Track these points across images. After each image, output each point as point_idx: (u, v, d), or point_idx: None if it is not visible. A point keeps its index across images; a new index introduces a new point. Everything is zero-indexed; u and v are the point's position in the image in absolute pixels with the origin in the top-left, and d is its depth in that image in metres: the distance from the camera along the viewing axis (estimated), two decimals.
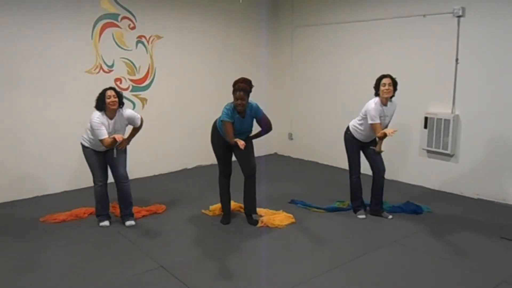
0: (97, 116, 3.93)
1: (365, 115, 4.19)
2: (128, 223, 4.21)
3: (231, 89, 3.99)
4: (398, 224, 4.23)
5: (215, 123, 4.27)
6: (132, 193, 4.29)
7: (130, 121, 4.17)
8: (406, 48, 5.47)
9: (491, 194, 4.88)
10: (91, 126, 3.93)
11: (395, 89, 4.18)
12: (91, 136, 4.04)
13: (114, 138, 3.85)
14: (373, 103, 4.15)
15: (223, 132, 4.04)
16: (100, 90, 4.03)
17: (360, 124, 4.30)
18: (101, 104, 3.97)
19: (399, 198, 4.86)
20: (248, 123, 4.12)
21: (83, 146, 4.14)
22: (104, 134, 3.88)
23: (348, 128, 4.46)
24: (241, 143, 3.76)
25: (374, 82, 4.24)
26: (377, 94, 4.21)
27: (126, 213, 4.26)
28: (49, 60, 5.06)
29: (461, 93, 5.02)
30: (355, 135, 4.38)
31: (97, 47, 5.41)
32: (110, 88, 4.03)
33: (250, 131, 4.23)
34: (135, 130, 4.25)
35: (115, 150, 4.11)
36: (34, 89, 5.01)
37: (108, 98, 3.93)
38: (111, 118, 4.02)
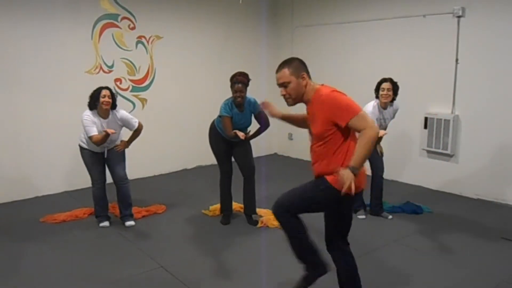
0: (87, 114, 3.90)
1: None
2: (128, 223, 4.21)
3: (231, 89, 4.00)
4: (398, 224, 4.23)
5: (212, 123, 4.27)
6: (132, 193, 4.29)
7: (125, 123, 4.08)
8: (406, 48, 5.47)
9: (491, 194, 4.88)
10: (82, 123, 3.89)
11: (395, 93, 4.18)
12: (87, 137, 4.02)
13: (106, 132, 3.78)
14: (371, 106, 4.14)
15: (222, 127, 4.05)
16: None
17: None
18: (94, 101, 3.91)
19: (399, 198, 4.86)
20: (246, 118, 4.12)
21: (81, 148, 4.12)
22: (93, 131, 3.83)
23: None
24: (241, 134, 3.79)
25: (373, 82, 4.24)
26: (377, 97, 4.21)
27: (126, 214, 4.25)
28: (49, 60, 5.06)
29: (461, 93, 5.02)
30: None
31: (97, 48, 5.41)
32: (107, 87, 3.97)
33: (249, 127, 4.22)
34: (135, 134, 4.16)
35: (105, 149, 4.03)
36: (33, 89, 5.01)
37: (103, 98, 3.87)
38: (104, 118, 3.97)
